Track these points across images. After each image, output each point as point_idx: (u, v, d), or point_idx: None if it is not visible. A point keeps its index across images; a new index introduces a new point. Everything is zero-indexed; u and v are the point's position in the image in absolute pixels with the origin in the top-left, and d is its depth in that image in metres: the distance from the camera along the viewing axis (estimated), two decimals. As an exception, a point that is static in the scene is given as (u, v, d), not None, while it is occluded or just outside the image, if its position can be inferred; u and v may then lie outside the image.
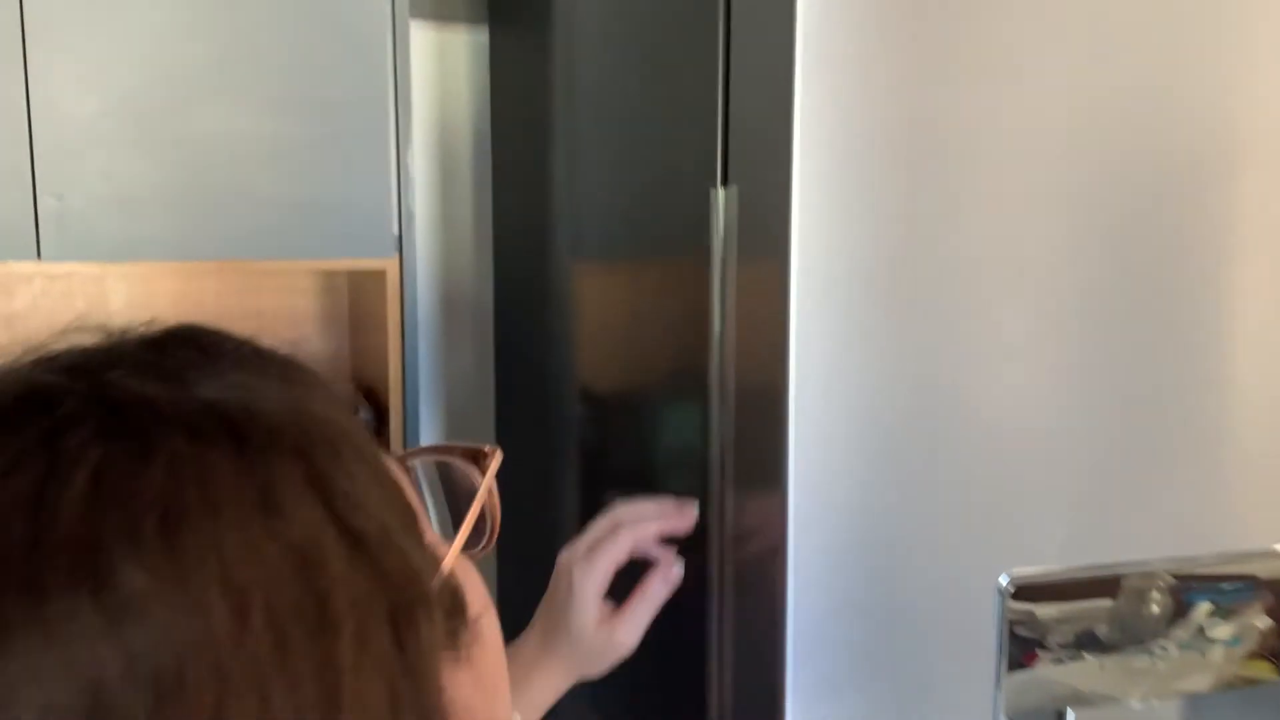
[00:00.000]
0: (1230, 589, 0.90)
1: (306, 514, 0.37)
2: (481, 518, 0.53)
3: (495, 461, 0.53)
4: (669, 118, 0.96)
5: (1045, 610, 0.84)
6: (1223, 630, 0.90)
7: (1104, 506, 0.85)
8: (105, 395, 0.37)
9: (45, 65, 1.22)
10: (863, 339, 0.78)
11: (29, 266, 1.24)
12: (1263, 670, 0.92)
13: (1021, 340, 0.82)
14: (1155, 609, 0.88)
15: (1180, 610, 0.89)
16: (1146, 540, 0.87)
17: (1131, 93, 0.82)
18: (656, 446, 1.02)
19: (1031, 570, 0.83)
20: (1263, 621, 0.91)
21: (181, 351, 0.41)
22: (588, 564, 0.85)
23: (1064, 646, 0.85)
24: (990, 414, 0.82)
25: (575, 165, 1.19)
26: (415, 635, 0.38)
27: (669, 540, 0.86)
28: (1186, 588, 0.88)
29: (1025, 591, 0.83)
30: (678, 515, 0.86)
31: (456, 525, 0.50)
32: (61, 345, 0.41)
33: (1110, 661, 0.87)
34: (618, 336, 1.02)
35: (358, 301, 1.59)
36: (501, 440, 1.52)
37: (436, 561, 0.44)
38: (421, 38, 1.56)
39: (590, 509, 1.14)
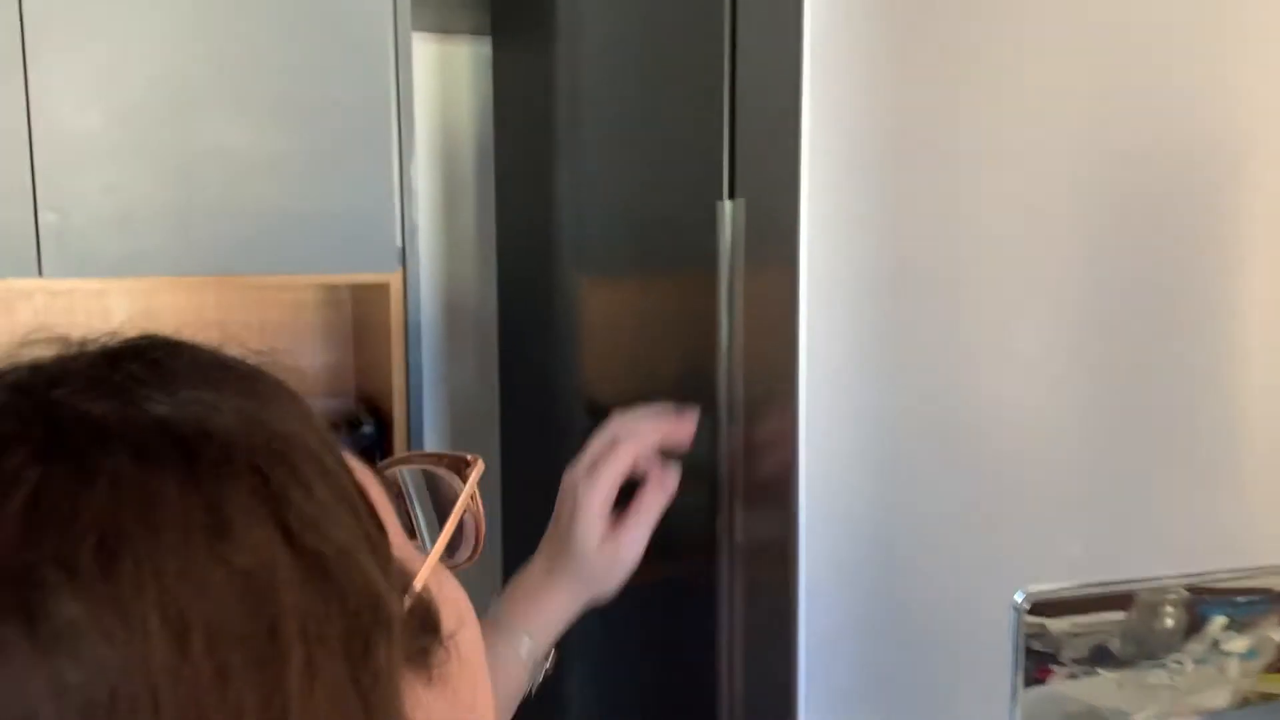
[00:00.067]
0: (1245, 602, 0.89)
1: (258, 535, 0.36)
2: (466, 528, 0.52)
3: (477, 471, 0.52)
4: (674, 129, 0.95)
5: (1058, 624, 0.83)
6: (1238, 644, 0.90)
7: (1119, 520, 0.84)
8: (48, 414, 0.36)
9: (46, 79, 1.22)
10: (872, 350, 0.77)
11: (30, 283, 1.23)
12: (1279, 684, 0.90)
13: (1033, 350, 0.81)
14: (1169, 623, 0.87)
15: (1195, 624, 0.88)
16: (1162, 553, 0.86)
17: (1139, 96, 0.82)
18: (663, 458, 1.01)
19: (1047, 586, 0.82)
20: (1278, 634, 0.90)
21: (135, 366, 0.40)
22: (590, 481, 0.84)
23: (1078, 662, 0.85)
24: (1002, 425, 0.81)
25: (579, 177, 1.18)
26: (373, 661, 0.37)
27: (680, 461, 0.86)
28: (1200, 601, 0.88)
29: (1040, 608, 0.82)
30: (677, 425, 0.85)
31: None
32: (25, 358, 0.40)
33: (1125, 677, 0.86)
34: (623, 349, 1.02)
35: (361, 314, 1.58)
36: (506, 453, 1.52)
37: (409, 578, 0.43)
38: (424, 50, 1.55)
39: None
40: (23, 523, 0.33)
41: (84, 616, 0.32)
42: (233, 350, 0.43)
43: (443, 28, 1.57)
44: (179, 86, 1.26)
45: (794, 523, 0.77)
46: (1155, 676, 0.87)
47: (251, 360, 0.44)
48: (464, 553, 0.53)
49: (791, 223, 0.75)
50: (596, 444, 0.86)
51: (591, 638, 1.19)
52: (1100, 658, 0.85)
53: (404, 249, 1.34)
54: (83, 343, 0.41)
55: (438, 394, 1.64)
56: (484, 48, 1.56)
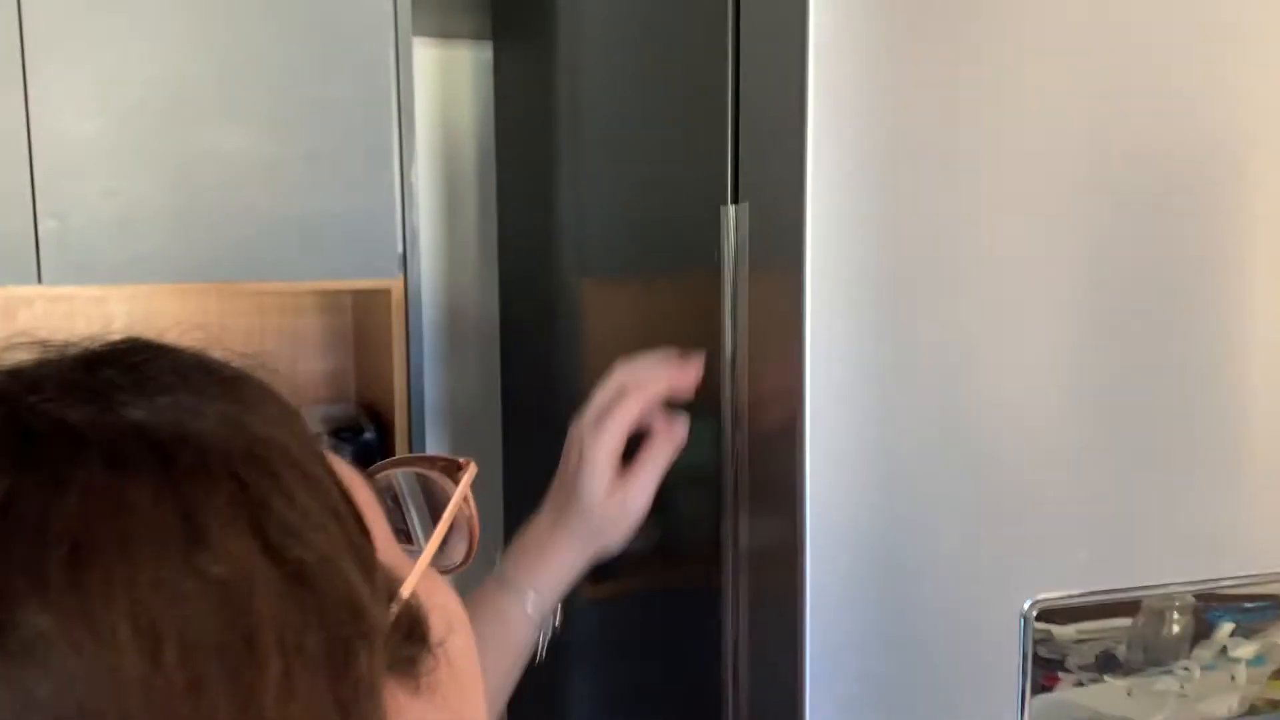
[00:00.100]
0: (1253, 608, 0.89)
1: (235, 544, 0.35)
2: (459, 531, 0.52)
3: (469, 474, 0.52)
4: (678, 133, 0.95)
5: (1064, 631, 0.83)
6: (1246, 649, 0.89)
7: (1126, 527, 0.84)
8: (22, 421, 0.36)
9: (45, 86, 1.21)
10: (877, 355, 0.77)
11: (30, 290, 1.23)
12: (1288, 690, 0.90)
13: (1040, 355, 0.81)
14: (1176, 629, 0.87)
15: (1202, 631, 0.87)
16: (1169, 560, 0.85)
17: (1145, 98, 0.81)
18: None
19: (1056, 594, 0.82)
20: (1286, 640, 0.90)
21: (114, 370, 0.39)
22: (597, 431, 0.83)
23: (1084, 669, 0.84)
24: (1009, 430, 0.81)
25: (581, 182, 1.18)
26: (353, 671, 0.37)
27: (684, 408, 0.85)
28: (1208, 608, 0.87)
29: (1049, 616, 0.82)
30: (683, 371, 0.84)
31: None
32: (7, 362, 0.39)
33: (1133, 684, 0.85)
34: (626, 354, 1.01)
35: (362, 320, 1.58)
36: (509, 459, 1.51)
37: (395, 585, 0.42)
38: (425, 55, 1.55)
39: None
40: None
41: (53, 628, 0.32)
42: (218, 354, 0.43)
43: (443, 32, 1.57)
44: (179, 92, 1.25)
45: (800, 529, 0.76)
46: (1164, 684, 0.86)
47: (237, 364, 0.43)
48: (457, 557, 0.53)
49: (797, 226, 0.75)
50: (602, 393, 0.85)
51: (595, 646, 1.19)
52: (1107, 665, 0.85)
53: (405, 254, 1.33)
54: (64, 347, 0.41)
55: (439, 400, 1.64)
56: (485, 52, 1.56)
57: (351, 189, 1.31)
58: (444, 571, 0.51)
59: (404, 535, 0.50)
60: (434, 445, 1.57)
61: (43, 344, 0.40)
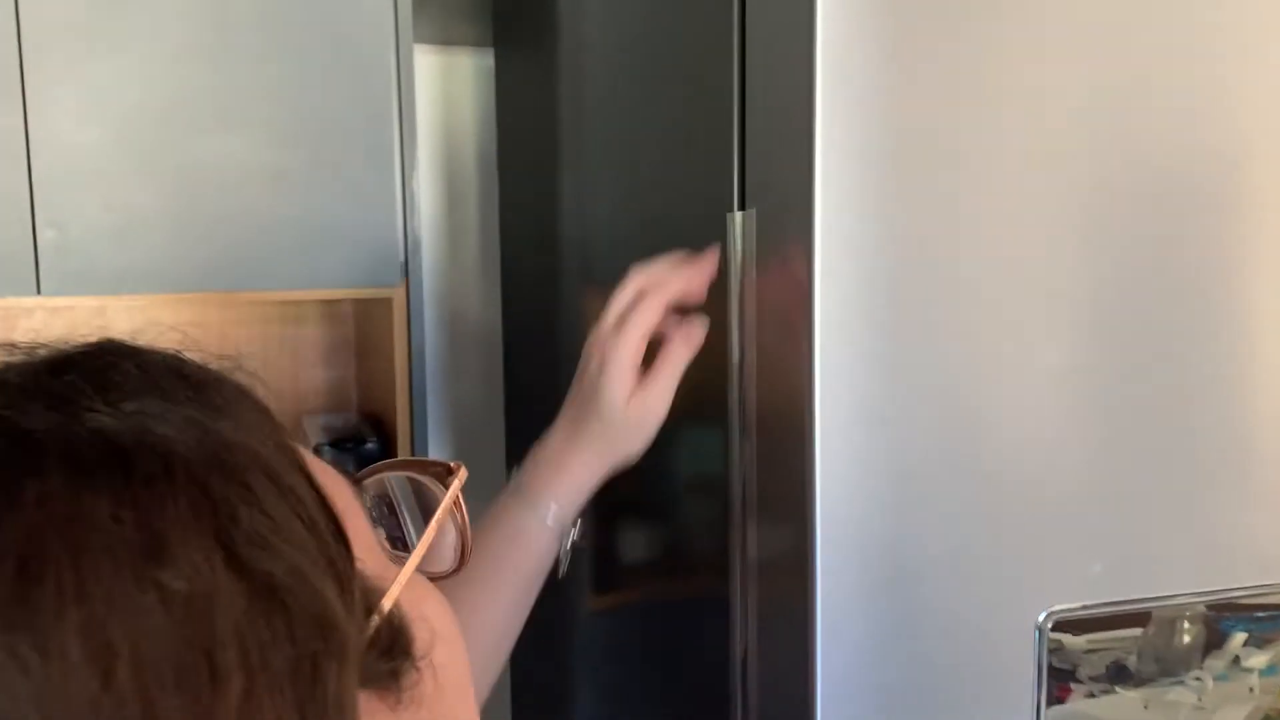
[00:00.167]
0: (1265, 617, 0.88)
1: (198, 556, 0.33)
2: (449, 537, 0.50)
3: (459, 479, 0.50)
4: (682, 138, 0.94)
5: (1075, 641, 0.82)
6: (1258, 659, 0.89)
7: (1139, 538, 0.83)
8: None
9: (44, 96, 1.21)
10: (887, 362, 0.76)
11: (29, 301, 1.23)
12: (1301, 700, 0.90)
13: (1051, 362, 0.80)
14: (1187, 639, 0.86)
15: (1214, 640, 0.87)
16: (1182, 570, 0.85)
17: (1159, 101, 0.81)
18: (674, 473, 1.00)
19: (1071, 606, 0.81)
20: (1300, 650, 0.89)
21: (80, 375, 0.37)
22: (619, 336, 0.82)
23: (1095, 679, 0.83)
24: (1020, 438, 0.80)
25: (584, 189, 1.17)
26: (322, 689, 0.35)
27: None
28: (1220, 617, 0.87)
29: (1064, 627, 0.81)
30: (699, 267, 0.84)
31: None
32: None
33: (1146, 696, 0.85)
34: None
35: (364, 329, 1.58)
36: (512, 468, 1.51)
37: (376, 597, 0.41)
38: (426, 62, 1.55)
39: (604, 539, 1.13)
40: None
41: (1, 645, 0.30)
42: (195, 356, 0.41)
43: (444, 39, 1.57)
44: (178, 101, 1.25)
45: (810, 539, 0.75)
46: (1176, 694, 0.86)
47: (215, 366, 0.42)
48: (450, 563, 0.51)
49: (805, 233, 0.74)
50: (620, 299, 0.84)
51: (603, 656, 1.18)
52: (1118, 675, 0.84)
53: (407, 263, 1.33)
54: (32, 349, 0.39)
55: (442, 408, 1.63)
56: (486, 59, 1.55)
57: (353, 197, 1.31)
58: (437, 578, 0.50)
59: (399, 541, 0.48)
60: (437, 454, 1.56)
61: (11, 346, 0.39)
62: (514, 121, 1.44)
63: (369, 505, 0.49)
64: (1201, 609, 0.86)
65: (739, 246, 0.83)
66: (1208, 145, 0.82)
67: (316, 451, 1.42)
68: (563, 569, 0.85)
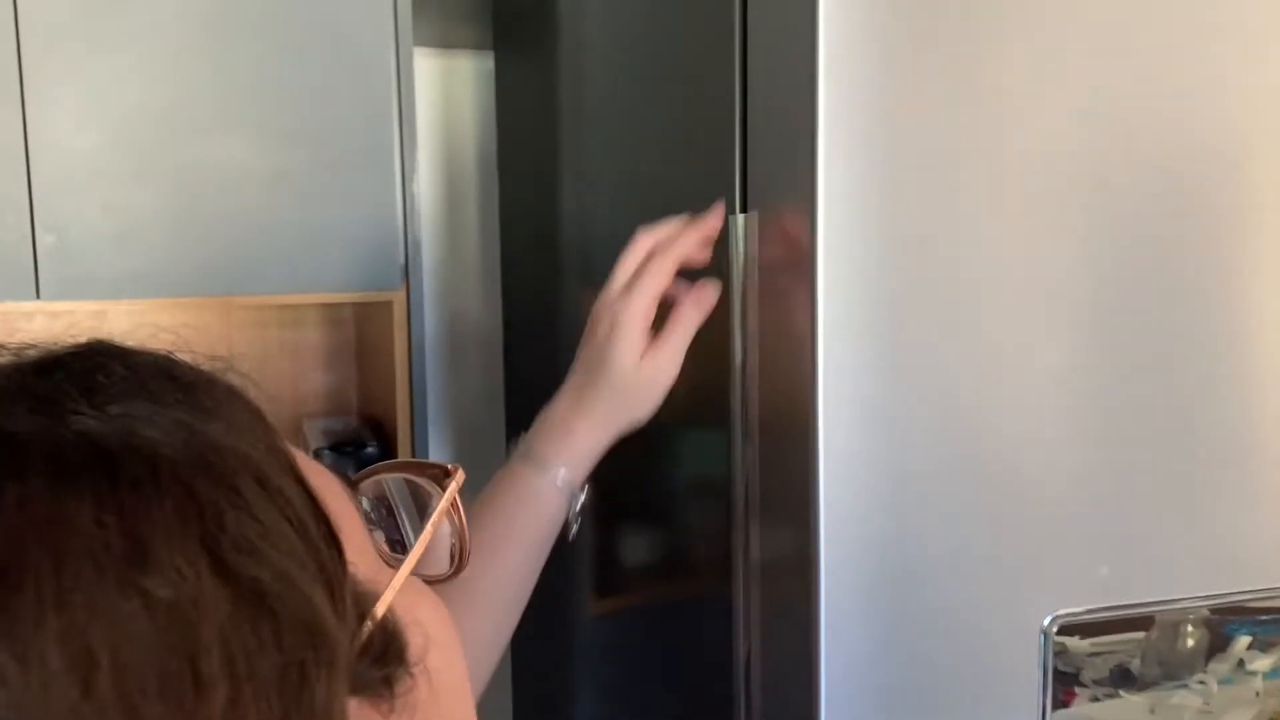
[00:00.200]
0: (1269, 621, 0.88)
1: (182, 562, 0.33)
2: (446, 541, 0.50)
3: (456, 481, 0.49)
4: (684, 141, 0.94)
5: (1078, 644, 0.82)
6: (1263, 663, 0.88)
7: (1143, 541, 0.83)
8: None
9: (43, 100, 1.21)
10: (892, 365, 0.76)
11: (30, 305, 1.22)
12: (1306, 704, 0.89)
13: (1057, 363, 0.80)
14: (1190, 642, 0.86)
15: (1218, 644, 0.87)
16: (1187, 574, 0.84)
17: (1154, 100, 0.80)
18: (676, 476, 1.00)
19: (1076, 610, 0.81)
20: (1304, 653, 0.88)
21: (66, 376, 0.37)
22: (630, 298, 0.82)
23: (1099, 683, 0.83)
24: (1025, 443, 0.79)
25: (585, 191, 1.17)
26: (309, 696, 0.34)
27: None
28: (1224, 621, 0.86)
29: (1068, 630, 0.81)
30: (703, 227, 0.83)
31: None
32: None
33: (1150, 699, 0.84)
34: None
35: (364, 332, 1.57)
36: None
37: (368, 602, 0.40)
38: (426, 65, 1.54)
39: (606, 543, 1.12)
40: None
41: None
42: (186, 357, 0.41)
43: (444, 42, 1.56)
44: (178, 105, 1.25)
45: (814, 541, 0.75)
46: (1180, 698, 0.85)
47: (206, 368, 0.41)
48: (447, 566, 0.51)
49: (808, 235, 0.74)
50: (628, 260, 0.83)
51: (605, 659, 1.17)
52: (1122, 679, 0.84)
53: (407, 266, 1.33)
54: (21, 350, 0.39)
55: (442, 412, 1.63)
56: (486, 62, 1.55)
57: (353, 200, 1.30)
58: (434, 581, 0.49)
59: (398, 544, 0.48)
60: (437, 458, 1.56)
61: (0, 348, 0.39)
62: (514, 124, 1.44)
63: (368, 507, 0.49)
64: (1205, 612, 0.85)
65: (741, 249, 0.83)
66: (1208, 145, 0.82)
67: (317, 455, 1.41)
68: (572, 532, 0.84)
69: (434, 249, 1.59)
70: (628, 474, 1.03)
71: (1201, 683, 0.86)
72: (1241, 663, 0.88)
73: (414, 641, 0.41)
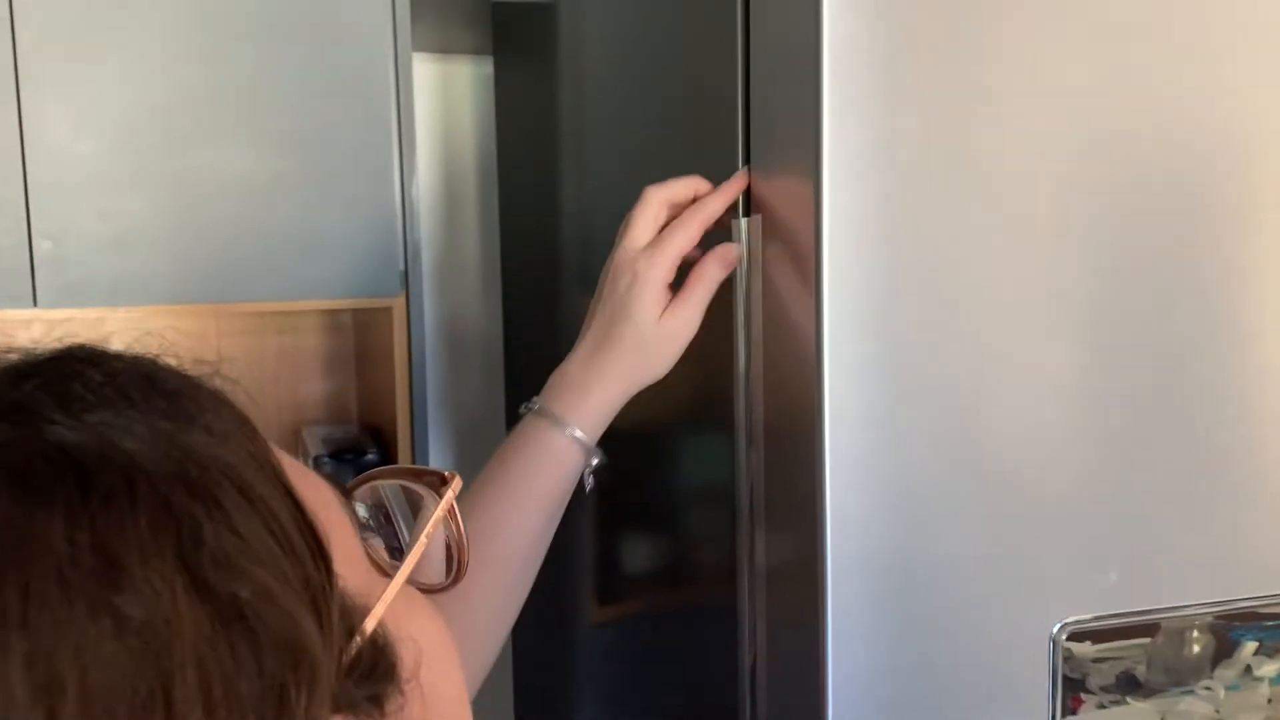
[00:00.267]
0: (1275, 625, 0.87)
1: (156, 580, 0.32)
2: (443, 548, 0.49)
3: (453, 489, 0.48)
4: (685, 144, 0.94)
5: (1083, 649, 0.81)
6: (1269, 668, 0.88)
7: (1151, 545, 0.82)
8: None
9: (39, 105, 1.20)
10: (898, 370, 0.75)
11: (27, 312, 1.22)
12: (1314, 709, 0.89)
13: (1063, 369, 0.79)
14: (1196, 648, 0.85)
15: (1224, 649, 0.86)
16: (1195, 579, 0.84)
17: (1155, 101, 0.80)
18: (679, 482, 1.00)
19: (1085, 617, 0.80)
20: (1312, 659, 0.88)
21: (41, 384, 0.36)
22: (654, 254, 0.81)
23: (1105, 690, 0.82)
24: (1032, 447, 0.79)
25: (585, 195, 1.17)
26: (289, 718, 0.33)
27: None
28: (1231, 626, 0.86)
29: (1075, 637, 0.80)
30: (729, 185, 0.82)
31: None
32: None
33: (1158, 706, 0.84)
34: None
35: (363, 339, 1.57)
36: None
37: (357, 618, 0.39)
38: (425, 70, 1.54)
39: (609, 549, 1.12)
40: None
41: None
42: (171, 362, 0.40)
43: (443, 47, 1.56)
44: (175, 110, 1.24)
45: (820, 548, 0.74)
46: (1187, 704, 0.85)
47: (192, 373, 0.40)
48: (444, 576, 0.49)
49: (811, 239, 0.73)
50: (645, 216, 0.83)
51: (609, 667, 1.17)
52: (1128, 685, 0.83)
53: (407, 272, 1.32)
54: (3, 354, 0.38)
55: (443, 419, 1.62)
56: (485, 67, 1.55)
57: (351, 206, 1.30)
58: (432, 591, 0.48)
59: (398, 551, 0.47)
60: (438, 465, 1.55)
61: None
62: (513, 129, 1.44)
63: (366, 514, 0.48)
64: (1210, 618, 0.85)
65: (744, 252, 0.82)
66: (1208, 145, 0.81)
67: (316, 463, 1.41)
68: (588, 485, 0.84)
69: (433, 255, 1.59)
70: (631, 479, 1.02)
71: (1208, 688, 0.86)
72: (1249, 668, 0.87)
73: (406, 657, 0.40)
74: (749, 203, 0.83)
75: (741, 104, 0.82)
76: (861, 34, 0.73)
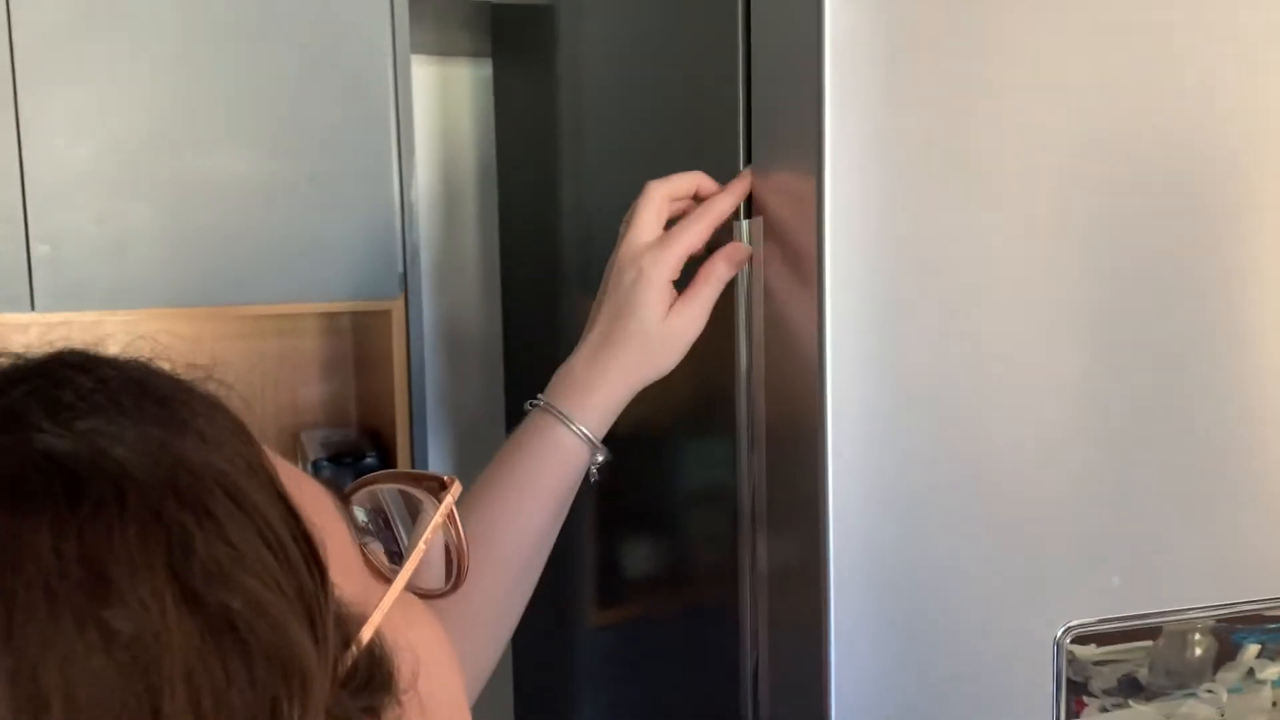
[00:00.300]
0: (1277, 628, 0.87)
1: (146, 592, 0.31)
2: (441, 554, 0.48)
3: (452, 494, 0.47)
4: (686, 148, 0.93)
5: (1085, 651, 0.81)
6: (1272, 671, 0.87)
7: (1154, 548, 0.82)
8: None
9: (37, 110, 1.20)
10: (901, 372, 0.75)
11: (24, 316, 1.21)
12: (1317, 712, 0.89)
13: (1066, 372, 0.79)
14: (1198, 651, 0.85)
15: (1226, 652, 0.86)
16: (1198, 582, 0.83)
17: (1155, 101, 0.80)
18: (681, 485, 0.99)
19: (1089, 620, 0.80)
20: (1314, 661, 0.88)
21: (30, 391, 0.35)
22: (662, 251, 0.81)
23: (1108, 693, 0.82)
24: (1036, 450, 0.78)
25: (585, 197, 1.16)
26: None
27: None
28: (1233, 629, 0.85)
29: (1078, 640, 0.80)
30: (735, 185, 0.82)
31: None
32: None
33: (1163, 709, 0.83)
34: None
35: (362, 342, 1.57)
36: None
37: (352, 627, 0.38)
38: (423, 72, 1.54)
39: (609, 553, 1.11)
40: None
41: None
42: (164, 366, 0.39)
43: (442, 50, 1.56)
44: (173, 114, 1.24)
45: (823, 551, 0.74)
46: (1193, 708, 0.85)
47: (185, 377, 0.39)
48: (441, 581, 0.49)
49: (814, 240, 0.73)
50: (648, 211, 0.82)
51: (609, 670, 1.16)
52: (1130, 689, 0.83)
53: (406, 274, 1.32)
54: None
55: (443, 422, 1.62)
56: (484, 69, 1.55)
57: (350, 208, 1.30)
58: (432, 597, 0.48)
59: (397, 556, 0.46)
60: (438, 469, 1.55)
61: None
62: (512, 131, 1.43)
63: (365, 519, 0.47)
64: (1212, 621, 0.84)
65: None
66: (1208, 145, 0.81)
67: (315, 466, 1.40)
68: (594, 477, 0.84)
69: (432, 257, 1.59)
70: (631, 481, 1.02)
71: (1210, 691, 0.85)
72: (1251, 671, 0.87)
73: (403, 666, 0.40)
74: (749, 204, 0.82)
75: (743, 104, 0.82)
76: (863, 32, 0.72)
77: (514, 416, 1.50)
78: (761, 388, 0.81)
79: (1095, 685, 0.82)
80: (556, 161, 1.23)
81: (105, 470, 0.33)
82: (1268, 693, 0.87)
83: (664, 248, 0.81)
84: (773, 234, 0.79)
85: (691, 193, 0.84)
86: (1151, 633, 0.83)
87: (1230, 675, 0.86)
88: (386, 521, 0.48)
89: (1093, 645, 0.81)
